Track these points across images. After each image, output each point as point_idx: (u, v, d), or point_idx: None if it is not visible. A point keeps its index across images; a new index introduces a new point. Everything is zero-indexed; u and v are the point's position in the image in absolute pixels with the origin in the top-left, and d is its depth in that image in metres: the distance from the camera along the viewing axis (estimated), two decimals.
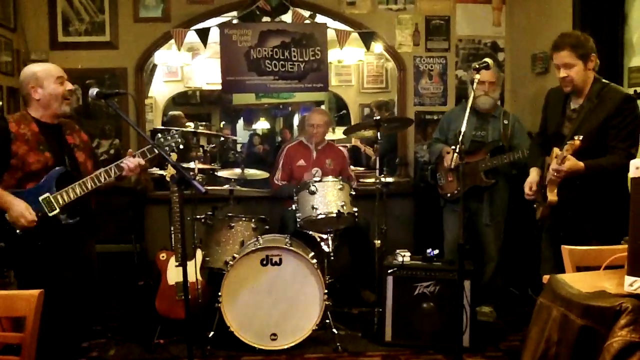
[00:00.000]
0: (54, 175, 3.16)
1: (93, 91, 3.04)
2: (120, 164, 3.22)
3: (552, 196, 3.38)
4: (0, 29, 5.17)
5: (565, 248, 2.68)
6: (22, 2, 5.58)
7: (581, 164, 3.23)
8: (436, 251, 4.35)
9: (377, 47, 6.21)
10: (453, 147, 3.33)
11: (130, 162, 3.22)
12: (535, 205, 3.63)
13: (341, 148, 5.80)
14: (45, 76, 3.25)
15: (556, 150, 3.40)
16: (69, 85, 3.29)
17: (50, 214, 3.11)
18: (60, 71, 3.31)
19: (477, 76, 3.51)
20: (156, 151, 3.21)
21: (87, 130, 5.53)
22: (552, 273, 2.38)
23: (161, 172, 4.63)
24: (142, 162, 3.27)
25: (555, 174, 3.30)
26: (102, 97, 3.04)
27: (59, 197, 3.12)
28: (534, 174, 3.70)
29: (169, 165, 3.84)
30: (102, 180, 3.19)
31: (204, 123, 11.32)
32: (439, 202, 4.96)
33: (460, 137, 3.27)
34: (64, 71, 3.36)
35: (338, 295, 4.91)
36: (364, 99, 8.90)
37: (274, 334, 4.19)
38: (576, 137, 3.14)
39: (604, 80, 3.47)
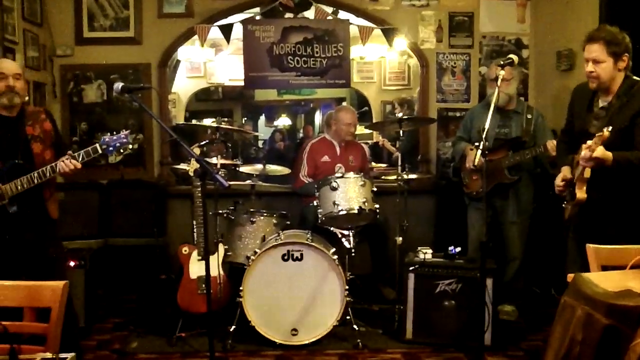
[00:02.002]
0: (5, 169, 3.38)
1: (118, 86, 3.05)
2: (57, 164, 3.39)
3: (580, 194, 3.32)
4: (27, 24, 5.24)
5: (590, 247, 2.65)
6: None
7: (609, 153, 3.15)
8: (458, 249, 4.32)
9: (399, 43, 6.19)
10: (476, 144, 3.29)
11: (66, 164, 3.38)
12: (563, 205, 3.58)
13: (362, 145, 5.81)
14: None
15: (584, 146, 3.35)
16: (10, 82, 3.44)
17: None
18: (4, 68, 3.48)
19: (502, 73, 3.47)
20: (93, 155, 3.39)
21: (109, 125, 5.71)
22: (579, 272, 2.36)
23: (184, 166, 4.66)
24: (78, 165, 3.40)
25: (585, 162, 3.21)
26: (127, 91, 3.06)
27: (8, 188, 3.36)
28: (565, 171, 3.64)
29: (192, 159, 3.88)
30: (47, 176, 3.39)
31: (225, 119, 11.35)
32: (461, 199, 4.93)
33: (484, 134, 3.23)
34: (14, 68, 3.53)
35: (358, 292, 4.90)
36: (386, 95, 8.88)
37: (295, 329, 4.20)
38: (605, 129, 3.07)
39: (634, 78, 3.40)
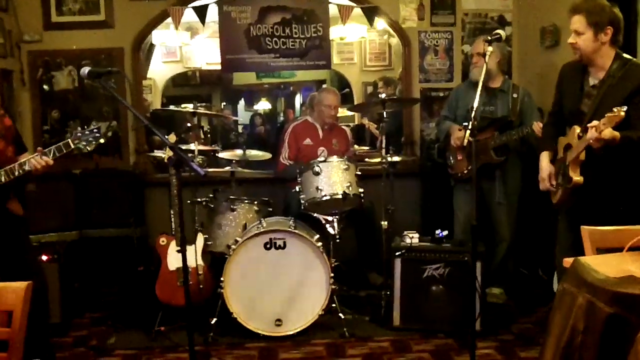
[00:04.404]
0: None
1: (85, 70, 2.89)
2: (25, 164, 3.22)
3: (576, 177, 3.21)
4: None
5: (585, 229, 2.55)
6: None
7: (617, 133, 3.01)
8: (445, 232, 4.22)
9: (380, 23, 6.01)
10: (465, 124, 3.16)
11: (37, 162, 3.22)
12: (552, 189, 3.48)
13: (344, 127, 5.67)
14: None
15: (576, 127, 3.23)
16: None
17: None
18: None
19: (490, 49, 3.35)
20: (65, 151, 3.24)
21: (82, 112, 5.51)
22: (571, 257, 2.25)
23: (161, 154, 4.49)
24: (50, 162, 3.25)
25: (594, 142, 3.05)
26: (95, 76, 2.89)
27: None
28: (545, 160, 3.56)
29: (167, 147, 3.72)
30: (15, 174, 3.21)
31: (204, 104, 11.16)
32: (447, 181, 4.82)
33: (473, 113, 3.11)
34: None
35: (344, 279, 4.78)
36: (367, 77, 8.75)
37: (279, 320, 4.08)
38: (619, 109, 2.90)
39: (625, 56, 3.29)
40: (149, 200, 5.59)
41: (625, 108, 2.91)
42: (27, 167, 3.21)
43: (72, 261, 4.67)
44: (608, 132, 2.97)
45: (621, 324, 1.74)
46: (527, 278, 5.01)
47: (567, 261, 2.19)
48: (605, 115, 2.95)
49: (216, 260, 4.43)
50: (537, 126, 4.11)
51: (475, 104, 3.12)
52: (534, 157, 3.81)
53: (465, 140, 3.14)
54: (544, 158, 3.61)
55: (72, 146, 3.26)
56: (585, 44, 3.26)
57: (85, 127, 3.34)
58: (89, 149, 3.30)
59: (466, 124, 3.14)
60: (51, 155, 3.23)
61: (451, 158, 4.67)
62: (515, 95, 4.54)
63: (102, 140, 3.32)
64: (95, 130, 3.31)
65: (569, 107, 3.44)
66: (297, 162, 5.04)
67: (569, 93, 3.47)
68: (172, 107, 8.44)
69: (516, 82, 5.06)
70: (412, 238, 4.18)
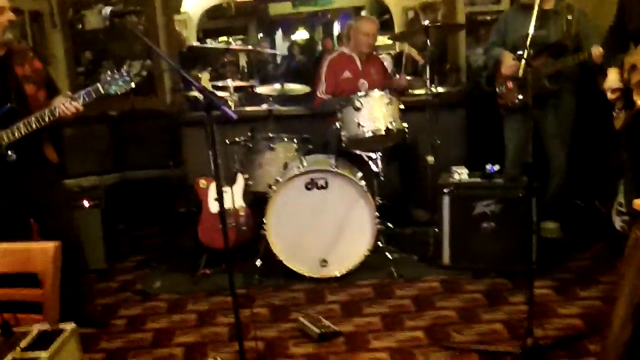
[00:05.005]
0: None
1: (107, 10, 2.78)
2: (55, 109, 3.10)
3: None
4: None
5: None
6: None
7: None
8: (496, 167, 4.00)
9: None
10: (519, 53, 2.89)
11: (67, 107, 3.09)
12: (614, 114, 3.20)
13: (381, 56, 5.37)
14: None
15: None
16: (10, 16, 3.11)
17: None
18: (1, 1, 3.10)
19: None
20: (95, 96, 3.08)
21: (114, 52, 5.35)
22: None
23: (195, 93, 4.34)
24: (80, 107, 3.11)
25: None
26: (116, 16, 2.74)
27: (4, 135, 3.08)
28: (613, 74, 3.24)
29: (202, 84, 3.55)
30: (47, 120, 3.10)
31: (240, 36, 10.91)
32: (496, 111, 4.54)
33: (528, 41, 2.83)
34: (7, 0, 3.12)
35: (389, 216, 4.63)
36: (408, 1, 8.32)
37: (324, 261, 3.97)
38: None
39: None
40: (187, 139, 5.47)
41: None
42: (56, 113, 3.10)
43: (113, 205, 4.63)
44: None
45: None
46: (583, 211, 4.77)
47: (638, 203, 1.97)
48: None
49: (257, 201, 4.32)
50: (596, 50, 3.78)
51: (531, 31, 2.84)
52: (590, 83, 3.53)
53: (521, 72, 2.88)
54: (610, 73, 3.28)
55: (102, 91, 3.09)
56: None
57: (116, 70, 3.16)
58: (119, 93, 3.12)
59: (520, 52, 2.87)
60: (81, 100, 3.10)
61: (501, 87, 4.37)
62: (569, 17, 4.16)
63: (133, 85, 3.15)
64: (125, 74, 3.13)
65: (635, 23, 3.10)
66: (335, 96, 4.82)
67: (635, 7, 3.12)
68: (208, 42, 8.31)
69: (571, 2, 4.69)
70: (460, 174, 3.99)
